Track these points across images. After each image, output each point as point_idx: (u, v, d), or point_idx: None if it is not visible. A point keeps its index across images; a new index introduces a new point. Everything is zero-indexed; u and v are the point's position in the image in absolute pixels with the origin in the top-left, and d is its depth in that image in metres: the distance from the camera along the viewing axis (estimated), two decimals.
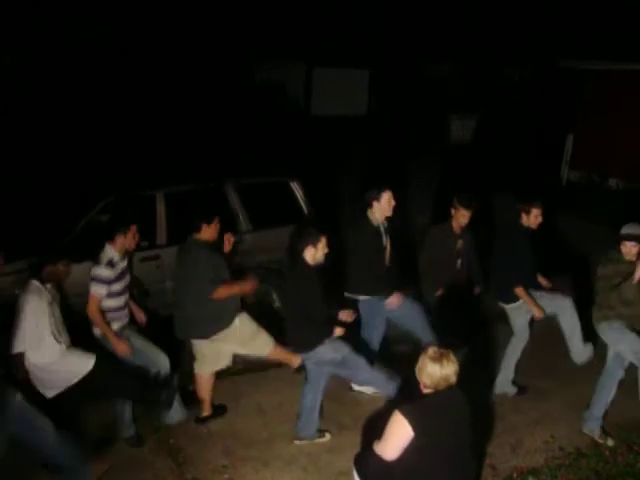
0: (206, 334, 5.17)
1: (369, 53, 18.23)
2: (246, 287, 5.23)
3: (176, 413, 5.22)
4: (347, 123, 16.55)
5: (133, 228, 4.97)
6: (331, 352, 4.90)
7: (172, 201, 6.53)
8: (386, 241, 5.62)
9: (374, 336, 5.76)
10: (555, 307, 5.68)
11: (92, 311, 4.77)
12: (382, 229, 5.59)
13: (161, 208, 6.50)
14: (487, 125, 16.37)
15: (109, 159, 9.90)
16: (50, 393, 4.56)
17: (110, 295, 4.87)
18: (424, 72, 18.29)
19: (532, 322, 5.77)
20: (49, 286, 4.50)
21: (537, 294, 5.67)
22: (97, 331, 4.94)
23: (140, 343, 5.09)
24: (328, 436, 5.25)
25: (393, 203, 5.45)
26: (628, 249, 4.78)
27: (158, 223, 6.49)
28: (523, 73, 16.04)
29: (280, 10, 18.57)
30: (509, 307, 5.72)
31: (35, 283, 4.43)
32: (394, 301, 5.52)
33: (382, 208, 5.43)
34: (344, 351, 4.95)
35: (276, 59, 18.40)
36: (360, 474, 4.02)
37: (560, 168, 13.83)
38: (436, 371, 3.40)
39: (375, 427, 4.05)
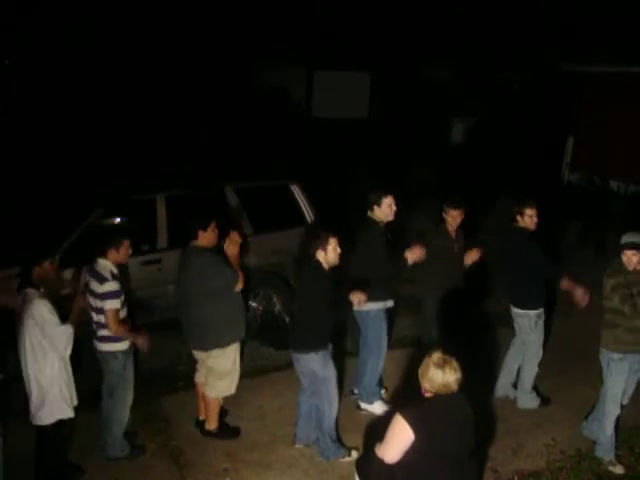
0: (211, 345, 5.05)
1: (370, 56, 18.24)
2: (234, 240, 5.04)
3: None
4: (348, 126, 16.56)
5: (125, 243, 4.83)
6: (318, 365, 4.81)
7: (173, 204, 6.52)
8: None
9: (384, 344, 5.63)
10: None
11: (114, 326, 4.67)
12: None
13: (162, 211, 6.49)
14: (487, 128, 16.36)
15: (110, 162, 9.91)
16: (49, 419, 4.46)
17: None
18: (425, 75, 18.28)
19: None
20: (43, 291, 4.43)
21: (541, 311, 5.65)
22: (102, 347, 4.82)
23: (129, 375, 4.96)
24: (355, 454, 5.02)
25: (394, 208, 5.44)
26: (628, 258, 4.72)
27: (159, 226, 6.48)
28: (524, 77, 16.04)
29: (279, 12, 18.59)
30: (519, 312, 5.68)
31: (32, 291, 4.35)
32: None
33: (383, 212, 5.43)
34: (329, 373, 4.86)
35: (276, 62, 18.40)
36: (362, 477, 4.02)
37: (560, 170, 13.83)
38: (438, 377, 3.40)
39: (376, 430, 4.05)
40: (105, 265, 4.74)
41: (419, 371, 3.49)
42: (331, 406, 4.93)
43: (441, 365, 3.41)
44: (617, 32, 13.20)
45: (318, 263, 4.75)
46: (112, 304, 4.66)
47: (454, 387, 3.43)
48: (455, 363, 3.44)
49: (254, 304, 7.01)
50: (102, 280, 4.67)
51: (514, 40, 15.96)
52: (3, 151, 11.76)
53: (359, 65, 18.62)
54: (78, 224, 6.12)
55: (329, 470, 4.92)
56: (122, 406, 4.92)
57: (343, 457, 5.00)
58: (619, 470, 5.00)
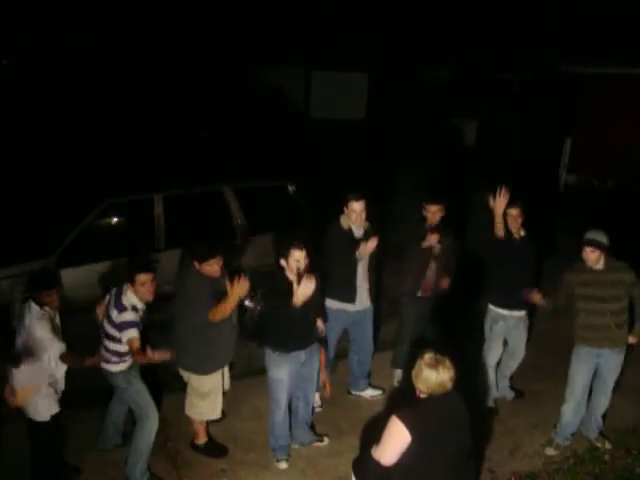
0: (198, 369, 4.84)
1: (368, 57, 18.26)
2: (237, 290, 4.55)
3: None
4: (346, 126, 16.58)
5: (140, 277, 4.50)
6: (270, 363, 4.77)
7: (170, 204, 6.52)
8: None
9: (330, 340, 5.54)
10: (511, 339, 5.70)
11: (138, 355, 4.48)
12: (360, 234, 5.41)
13: (159, 211, 6.49)
14: (485, 129, 16.38)
15: (108, 162, 9.91)
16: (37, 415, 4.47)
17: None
18: (423, 76, 18.30)
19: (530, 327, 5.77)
20: (47, 308, 4.42)
21: (505, 313, 5.56)
22: (110, 367, 4.65)
23: (139, 387, 4.77)
24: (327, 440, 5.22)
25: (362, 214, 5.28)
26: (587, 254, 4.79)
27: (156, 226, 6.48)
28: (523, 77, 16.05)
29: (278, 13, 18.61)
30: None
31: (35, 307, 4.37)
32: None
33: (348, 215, 5.33)
34: (279, 376, 4.76)
35: (275, 62, 18.43)
36: (359, 478, 4.02)
37: (558, 172, 13.82)
38: (432, 377, 3.40)
39: (374, 431, 4.05)
40: (129, 297, 4.57)
41: (412, 373, 3.49)
42: (277, 409, 4.87)
43: (434, 365, 3.41)
44: (617, 33, 13.21)
45: (284, 274, 4.66)
46: (130, 334, 4.47)
47: (449, 386, 3.43)
48: (448, 362, 3.44)
49: (251, 305, 7.00)
50: (121, 309, 4.52)
51: (514, 41, 15.97)
52: (3, 151, 11.78)
53: (357, 66, 18.64)
54: (75, 225, 6.12)
55: (327, 470, 4.92)
56: (146, 421, 4.73)
57: (276, 462, 4.99)
58: (550, 452, 5.16)
